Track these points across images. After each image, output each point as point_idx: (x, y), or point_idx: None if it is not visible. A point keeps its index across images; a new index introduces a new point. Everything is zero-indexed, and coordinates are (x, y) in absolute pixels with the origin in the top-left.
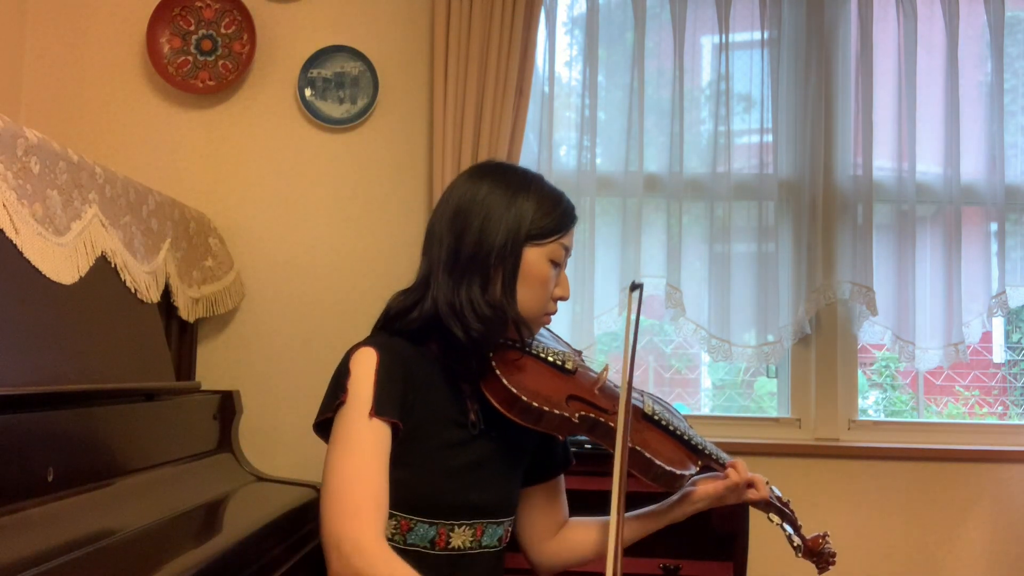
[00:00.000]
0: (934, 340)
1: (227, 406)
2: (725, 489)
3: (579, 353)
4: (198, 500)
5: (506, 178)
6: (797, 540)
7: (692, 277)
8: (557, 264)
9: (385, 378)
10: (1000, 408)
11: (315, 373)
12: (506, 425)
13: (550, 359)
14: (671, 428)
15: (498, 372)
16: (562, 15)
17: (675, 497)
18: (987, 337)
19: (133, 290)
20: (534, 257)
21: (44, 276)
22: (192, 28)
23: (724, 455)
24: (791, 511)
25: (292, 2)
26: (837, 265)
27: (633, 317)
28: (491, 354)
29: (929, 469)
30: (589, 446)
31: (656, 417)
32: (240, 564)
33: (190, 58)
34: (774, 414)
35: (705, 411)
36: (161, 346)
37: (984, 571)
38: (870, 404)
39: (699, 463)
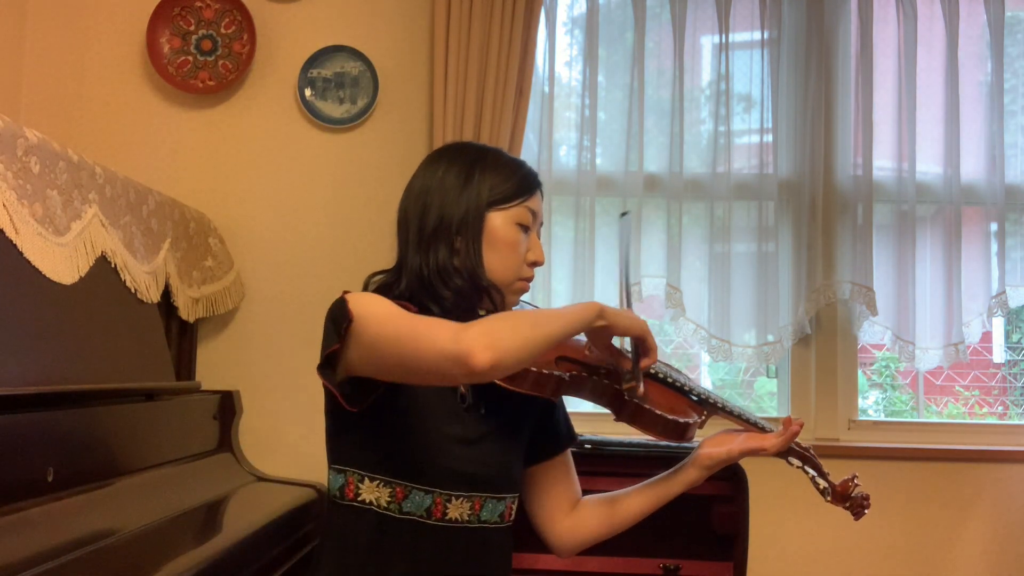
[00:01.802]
0: (934, 340)
1: (227, 406)
2: (753, 447)
3: None
4: (198, 500)
5: (463, 153)
6: (823, 483)
7: (692, 277)
8: (526, 228)
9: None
10: (1000, 408)
11: (315, 373)
12: (499, 400)
13: None
14: (670, 380)
15: None
16: (562, 15)
17: (686, 461)
18: (987, 337)
19: (133, 290)
20: (499, 222)
21: (44, 276)
22: (192, 28)
23: (739, 408)
24: (813, 455)
25: (292, 2)
26: (837, 265)
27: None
28: None
29: (929, 469)
30: (588, 446)
31: (653, 371)
32: (240, 564)
33: (190, 58)
34: (774, 414)
35: None
36: (161, 346)
37: (984, 571)
38: (870, 404)
39: (704, 412)
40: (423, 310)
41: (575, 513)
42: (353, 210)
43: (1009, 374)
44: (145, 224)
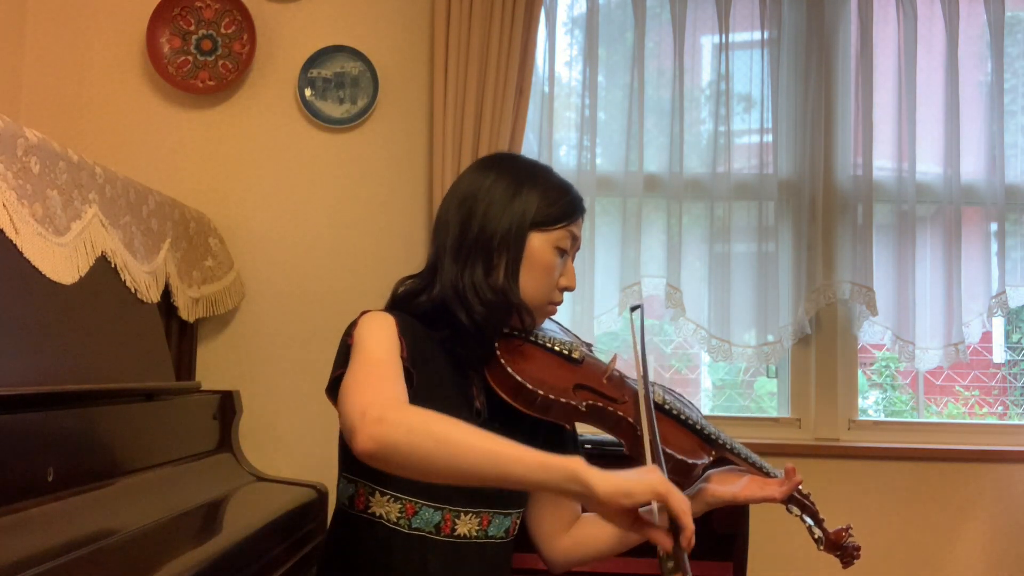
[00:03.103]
0: (934, 340)
1: (227, 406)
2: (760, 496)
3: (588, 345)
4: (198, 500)
5: (514, 167)
6: (818, 532)
7: (692, 277)
8: (563, 252)
9: (406, 335)
10: (1000, 408)
11: (315, 373)
12: (513, 417)
13: (556, 348)
14: (682, 417)
15: (503, 361)
16: (562, 15)
17: (690, 491)
18: (987, 337)
19: (133, 290)
20: (539, 243)
21: (44, 276)
22: (192, 28)
23: (747, 450)
24: (812, 503)
25: (292, 2)
26: (837, 265)
27: (639, 337)
28: (496, 343)
29: (929, 469)
30: (589, 446)
31: (667, 407)
32: (240, 564)
33: (190, 58)
34: (774, 414)
35: (705, 411)
36: (161, 346)
37: (984, 571)
38: (870, 404)
39: (713, 453)
40: (452, 319)
41: (574, 531)
42: (353, 210)
43: (1009, 374)
44: (145, 224)
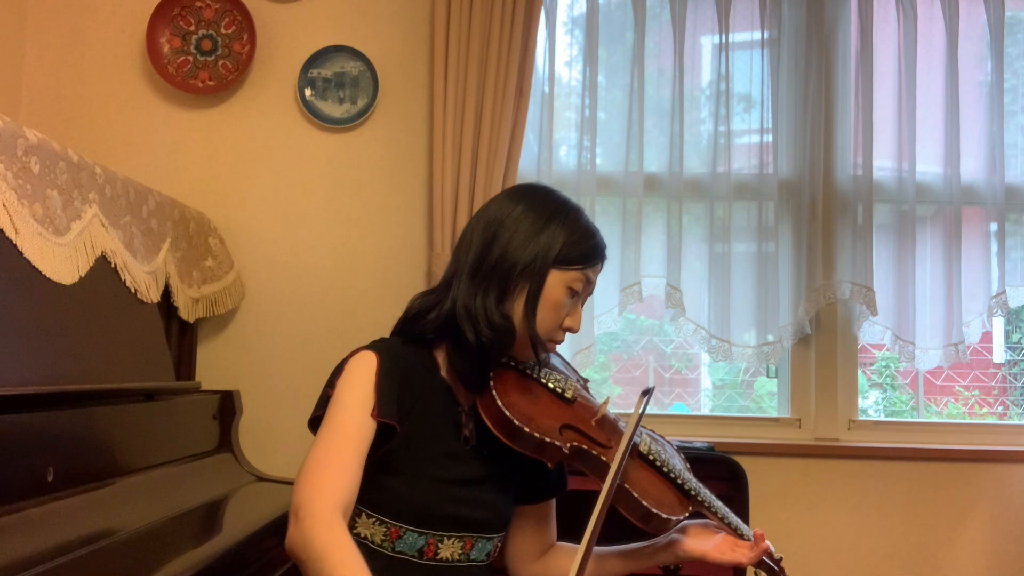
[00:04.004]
0: (934, 340)
1: (227, 406)
2: (729, 560)
3: (584, 382)
4: (198, 500)
5: (546, 200)
6: None
7: (692, 277)
8: (575, 294)
9: (384, 380)
10: (1000, 408)
11: (315, 373)
12: (500, 444)
13: (551, 385)
14: (665, 469)
15: (495, 392)
16: (562, 15)
17: (662, 540)
18: (987, 337)
19: (133, 290)
20: (554, 281)
21: (44, 276)
22: (192, 28)
23: (724, 508)
24: (781, 568)
25: (292, 2)
26: (837, 265)
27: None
28: (492, 372)
29: (929, 469)
30: None
31: (651, 457)
32: (240, 564)
33: (190, 58)
34: (774, 414)
35: (705, 411)
36: (161, 346)
37: (984, 571)
38: (870, 404)
39: (690, 508)
40: (457, 337)
41: (545, 559)
42: (353, 210)
43: (1009, 374)
44: (145, 224)
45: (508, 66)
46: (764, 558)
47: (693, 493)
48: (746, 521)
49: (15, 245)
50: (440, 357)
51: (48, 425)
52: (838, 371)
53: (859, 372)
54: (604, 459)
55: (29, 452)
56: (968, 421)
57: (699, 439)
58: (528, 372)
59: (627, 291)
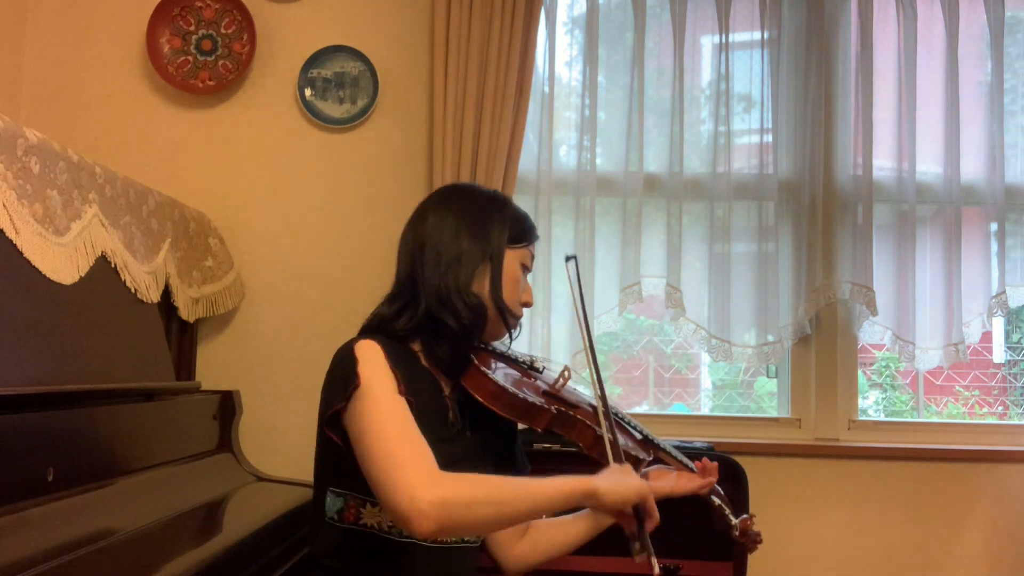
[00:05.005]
0: (934, 340)
1: (227, 406)
2: (690, 490)
3: (542, 360)
4: (198, 500)
5: (479, 195)
6: (734, 521)
7: (692, 277)
8: (527, 270)
9: (394, 363)
10: (1000, 408)
11: (315, 373)
12: (480, 424)
13: (520, 359)
14: (626, 420)
15: (483, 368)
16: (562, 15)
17: None
18: (987, 337)
19: (133, 290)
20: (509, 259)
21: (44, 276)
22: (192, 28)
23: (676, 451)
24: (724, 493)
25: (292, 2)
26: (837, 265)
27: (577, 290)
28: (471, 354)
29: (929, 469)
30: (544, 445)
31: (612, 411)
32: (240, 564)
33: (190, 58)
34: (774, 414)
35: (705, 411)
36: (161, 346)
37: (984, 571)
38: (870, 404)
39: (651, 452)
40: (434, 329)
41: (528, 536)
42: (353, 210)
43: (1009, 374)
44: (145, 224)
45: (508, 66)
46: (716, 486)
47: (651, 439)
48: None
49: (15, 245)
50: (416, 348)
51: (48, 425)
52: (838, 371)
53: (859, 372)
54: (580, 418)
55: (29, 452)
56: (968, 421)
57: (699, 439)
58: (497, 351)
59: (627, 291)
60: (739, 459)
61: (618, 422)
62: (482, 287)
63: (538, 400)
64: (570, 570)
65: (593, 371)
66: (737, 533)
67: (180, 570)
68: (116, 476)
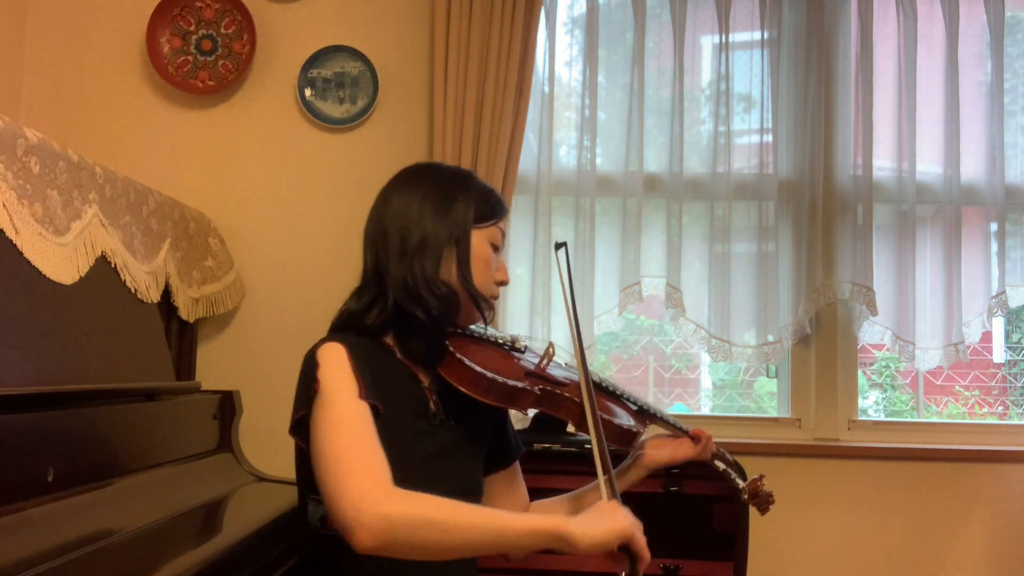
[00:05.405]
0: (934, 340)
1: (227, 406)
2: (689, 456)
3: (524, 339)
4: (198, 500)
5: (440, 174)
6: (741, 484)
7: (692, 277)
8: (496, 248)
9: (359, 366)
10: (1000, 408)
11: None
12: (464, 412)
13: (499, 340)
14: (618, 392)
15: (459, 355)
16: (562, 15)
17: (628, 462)
18: (987, 337)
19: (133, 290)
20: (477, 240)
21: (44, 276)
22: (192, 28)
23: (672, 417)
24: (733, 459)
25: (292, 2)
26: (837, 265)
27: (567, 278)
28: (447, 340)
29: (929, 469)
30: (544, 445)
31: (604, 384)
32: (240, 564)
33: (190, 58)
34: (774, 414)
35: (705, 411)
36: (161, 346)
37: (984, 571)
38: (870, 404)
39: (645, 421)
40: (405, 322)
41: None
42: (353, 210)
43: (1009, 374)
44: (145, 224)
45: (508, 66)
46: (718, 450)
47: (646, 408)
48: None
49: (15, 245)
50: (390, 342)
51: (48, 425)
52: (838, 371)
53: (859, 372)
54: (568, 395)
55: (29, 452)
56: (968, 421)
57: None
58: (475, 335)
59: (627, 291)
60: (739, 459)
61: (611, 396)
62: (451, 273)
63: (519, 383)
64: (568, 570)
65: (582, 370)
66: (746, 496)
67: (180, 570)
68: (116, 476)
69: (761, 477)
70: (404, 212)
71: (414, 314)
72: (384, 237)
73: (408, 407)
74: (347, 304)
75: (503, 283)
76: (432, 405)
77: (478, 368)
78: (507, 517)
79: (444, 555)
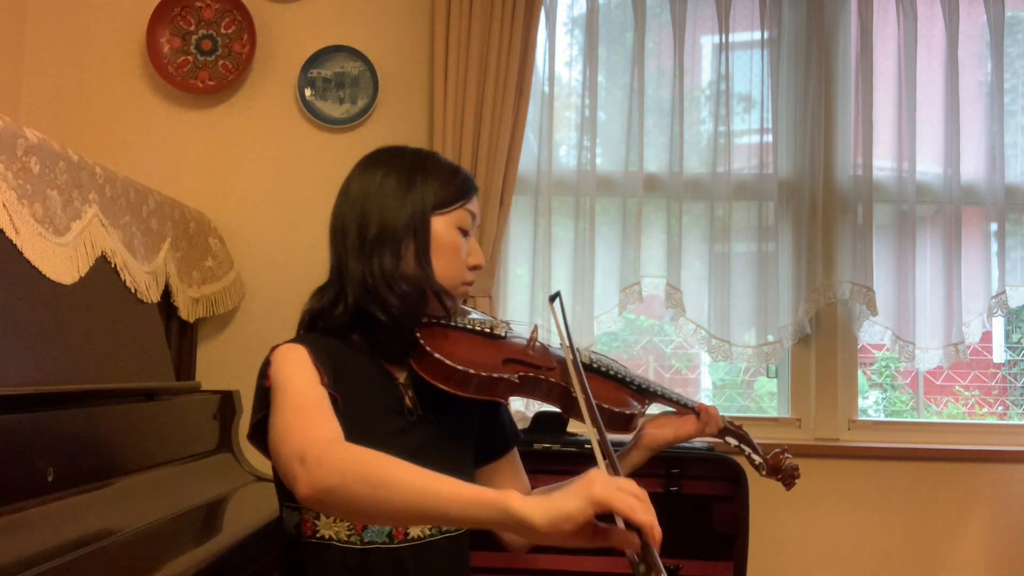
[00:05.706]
0: (934, 340)
1: (227, 406)
2: (688, 434)
3: (507, 323)
4: (198, 500)
5: (401, 158)
6: (758, 459)
7: (692, 277)
8: (465, 232)
9: (321, 362)
10: (1000, 408)
11: None
12: (445, 406)
13: (477, 328)
14: (611, 373)
15: (428, 348)
16: (562, 15)
17: (629, 444)
18: (987, 337)
19: (133, 290)
20: (441, 226)
21: (44, 276)
22: (192, 28)
23: (675, 393)
24: (745, 432)
25: (292, 2)
26: (837, 265)
27: (564, 327)
28: (418, 332)
29: (929, 469)
30: (544, 445)
31: (595, 365)
32: (240, 564)
33: (190, 58)
34: (774, 414)
35: None
36: (161, 346)
37: (984, 571)
38: (870, 404)
39: (645, 401)
40: (369, 321)
41: None
42: None
43: (1009, 374)
44: (145, 224)
45: (508, 66)
46: (727, 426)
47: (645, 386)
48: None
49: (15, 245)
50: (359, 339)
51: (48, 425)
52: (838, 371)
53: (859, 372)
54: (552, 380)
55: (29, 452)
56: (968, 421)
57: (699, 439)
58: (450, 323)
59: (627, 291)
60: (739, 459)
61: (605, 376)
62: (411, 266)
63: (495, 372)
64: (568, 569)
65: (570, 355)
66: (765, 472)
67: (180, 570)
68: (116, 476)
69: (784, 451)
70: (361, 203)
71: (375, 314)
72: (343, 230)
73: (380, 405)
74: (308, 303)
75: (477, 268)
76: (408, 401)
77: (449, 362)
78: (448, 482)
79: (379, 517)
